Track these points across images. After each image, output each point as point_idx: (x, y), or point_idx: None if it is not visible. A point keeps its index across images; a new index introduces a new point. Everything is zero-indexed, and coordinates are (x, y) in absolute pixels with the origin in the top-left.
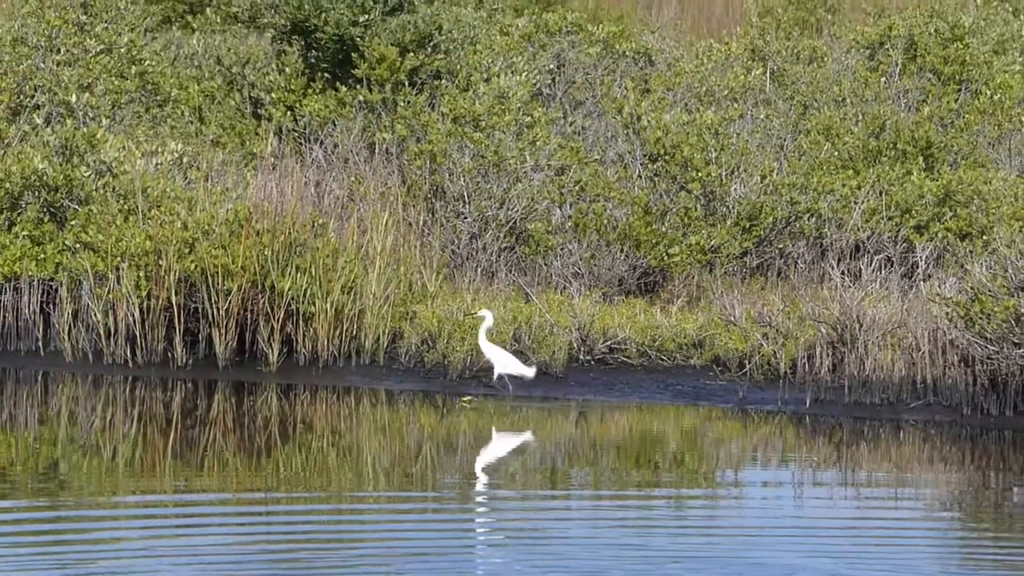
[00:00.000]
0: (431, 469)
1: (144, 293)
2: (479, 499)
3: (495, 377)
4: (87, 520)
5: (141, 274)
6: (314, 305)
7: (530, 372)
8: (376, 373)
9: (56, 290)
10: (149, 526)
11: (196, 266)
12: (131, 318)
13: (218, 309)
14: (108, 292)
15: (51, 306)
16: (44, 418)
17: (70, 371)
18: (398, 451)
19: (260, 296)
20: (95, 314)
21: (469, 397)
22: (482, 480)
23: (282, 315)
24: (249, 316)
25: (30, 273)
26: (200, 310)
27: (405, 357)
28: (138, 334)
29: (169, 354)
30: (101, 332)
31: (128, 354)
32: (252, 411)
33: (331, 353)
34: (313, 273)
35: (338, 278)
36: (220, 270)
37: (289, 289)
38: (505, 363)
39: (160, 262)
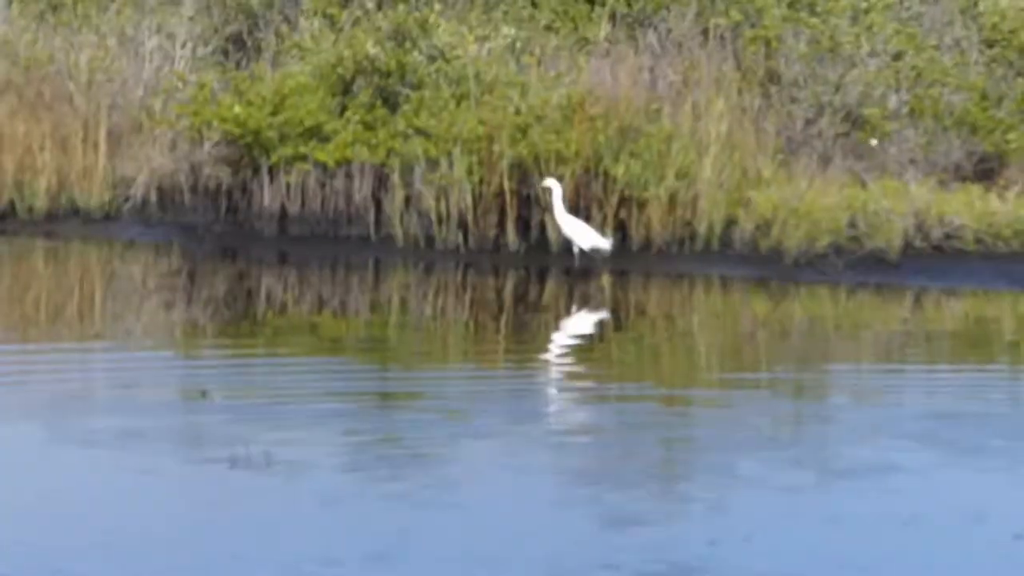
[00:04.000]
0: (768, 356)
1: (476, 179)
2: (819, 382)
3: (577, 252)
4: (412, 406)
5: (473, 159)
6: (648, 191)
7: (607, 244)
8: (710, 259)
9: (388, 176)
10: (478, 405)
11: (529, 152)
12: (463, 204)
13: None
14: (440, 178)
15: (382, 192)
16: (376, 304)
17: (401, 257)
18: (734, 339)
19: (593, 182)
20: (427, 200)
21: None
22: (821, 365)
23: (615, 201)
24: (582, 202)
25: (362, 158)
26: (532, 196)
27: (739, 243)
28: (470, 220)
29: (500, 240)
30: (433, 218)
31: (460, 240)
32: (585, 297)
33: (664, 240)
34: (647, 159)
35: (672, 164)
36: (553, 156)
37: (623, 175)
38: (587, 236)
39: (492, 147)
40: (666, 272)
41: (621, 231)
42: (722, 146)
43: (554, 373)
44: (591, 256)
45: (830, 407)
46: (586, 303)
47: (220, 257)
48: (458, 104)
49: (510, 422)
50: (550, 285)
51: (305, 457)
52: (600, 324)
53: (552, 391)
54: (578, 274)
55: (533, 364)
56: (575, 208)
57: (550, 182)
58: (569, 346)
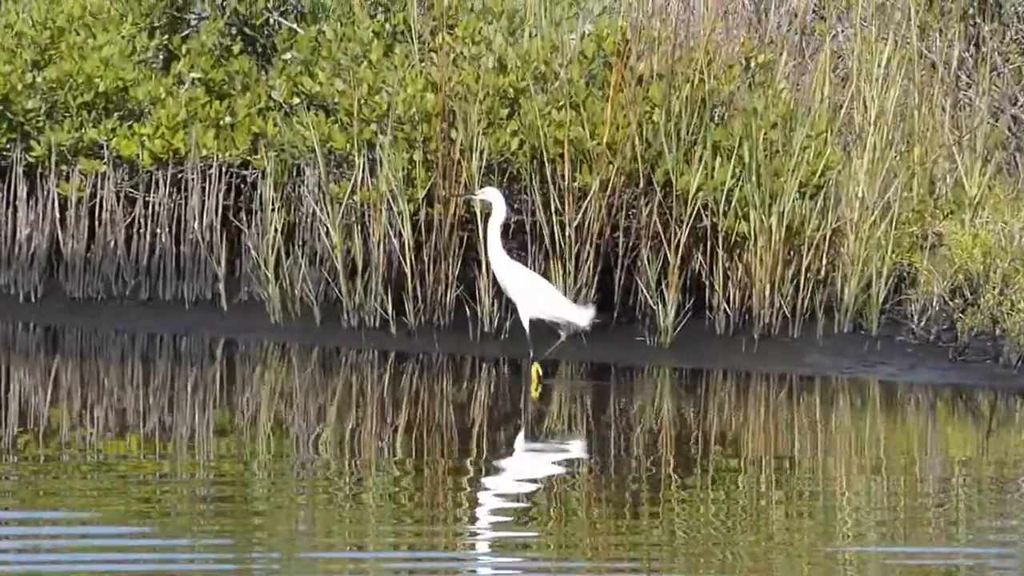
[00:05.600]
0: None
1: (420, 194)
2: None
3: (524, 321)
4: None
5: (416, 157)
6: (747, 220)
7: (583, 319)
8: (862, 348)
9: (253, 185)
10: None
11: (520, 142)
12: (396, 241)
13: (562, 226)
14: (353, 190)
15: (243, 215)
16: (224, 431)
17: (277, 339)
18: (909, 511)
19: (642, 201)
20: (328, 232)
21: (536, 367)
22: None
23: (683, 238)
24: (621, 239)
25: (205, 152)
26: (527, 227)
27: (920, 320)
28: (409, 272)
29: (466, 310)
30: (339, 267)
31: (387, 310)
32: (624, 420)
33: (777, 311)
34: (746, 159)
35: (794, 169)
36: (568, 150)
37: (699, 190)
38: (538, 297)
39: (452, 135)
40: (780, 373)
41: (695, 293)
42: (889, 134)
43: None
44: (528, 332)
45: None
46: (626, 429)
47: None
48: (388, 51)
49: None
50: (556, 396)
51: None
52: (648, 481)
53: None
54: (609, 375)
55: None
56: (607, 250)
57: (489, 193)
58: (594, 531)
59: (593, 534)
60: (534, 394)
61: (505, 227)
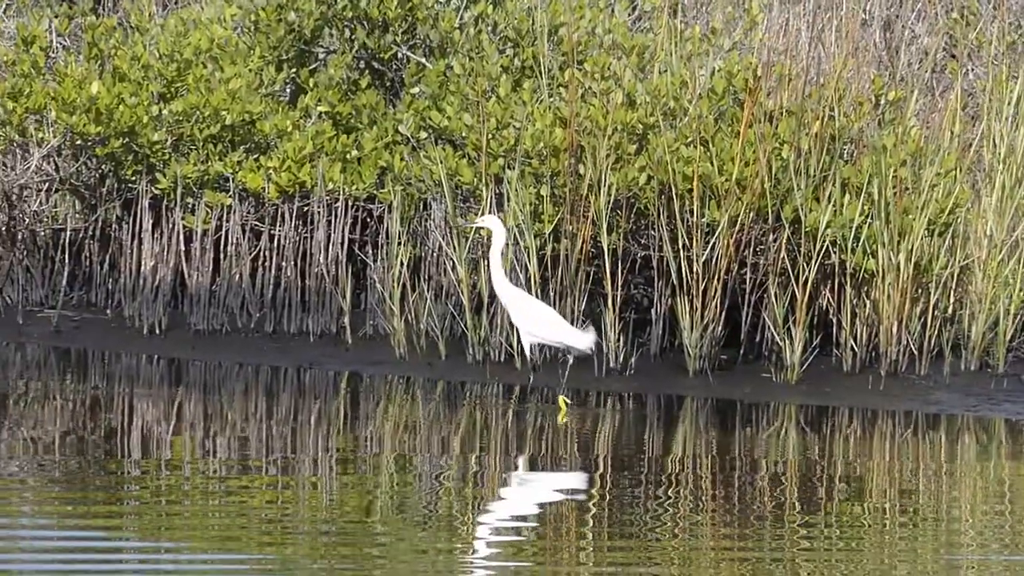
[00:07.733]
0: None
1: (548, 228)
2: None
3: (524, 345)
4: None
5: (543, 192)
6: (875, 257)
7: (583, 342)
8: (989, 387)
9: (379, 219)
10: None
11: (648, 178)
12: (523, 276)
13: (690, 261)
14: (478, 228)
15: (369, 249)
16: (348, 462)
17: (401, 373)
18: None
19: (770, 237)
20: (454, 267)
21: (563, 398)
22: None
23: (811, 275)
24: (748, 275)
25: (332, 185)
26: (654, 263)
27: None
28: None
29: (596, 344)
30: (464, 302)
31: (511, 344)
32: (752, 460)
33: (904, 348)
34: (875, 196)
35: (923, 207)
36: (696, 187)
37: (827, 226)
38: (539, 321)
39: (580, 170)
40: (906, 410)
41: (820, 331)
42: (1018, 172)
43: None
44: (535, 352)
45: None
46: (750, 474)
47: (55, 367)
48: (516, 86)
49: None
50: (682, 431)
51: None
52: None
53: None
54: (734, 413)
55: None
56: (733, 285)
57: (488, 220)
58: None
59: (716, 565)
60: (560, 422)
61: (628, 262)
